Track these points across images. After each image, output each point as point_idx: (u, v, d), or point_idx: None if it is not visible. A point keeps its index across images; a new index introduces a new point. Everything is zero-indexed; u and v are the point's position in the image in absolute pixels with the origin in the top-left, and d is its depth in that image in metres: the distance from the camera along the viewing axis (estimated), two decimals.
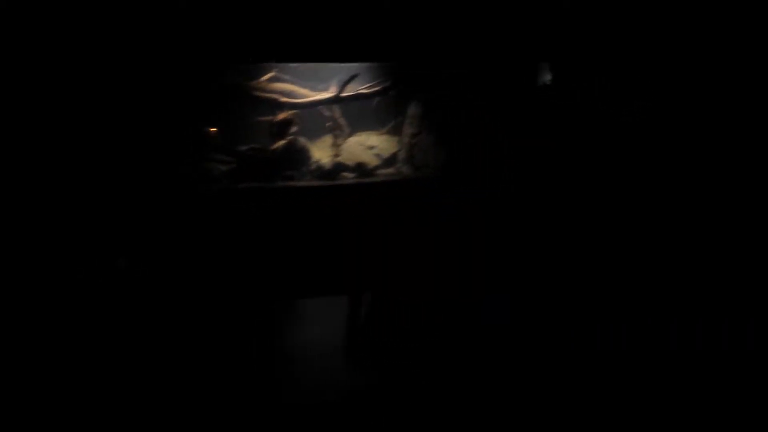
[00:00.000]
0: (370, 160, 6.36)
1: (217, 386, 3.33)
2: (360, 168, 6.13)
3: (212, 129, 6.03)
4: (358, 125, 6.66)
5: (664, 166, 5.09)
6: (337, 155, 6.34)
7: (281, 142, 6.09)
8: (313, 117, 6.45)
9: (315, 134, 6.64)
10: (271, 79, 6.17)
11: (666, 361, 3.45)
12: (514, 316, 4.20)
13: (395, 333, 4.16)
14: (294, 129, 6.17)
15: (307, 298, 4.90)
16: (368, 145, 6.50)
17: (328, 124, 6.42)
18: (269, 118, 6.25)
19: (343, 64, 6.26)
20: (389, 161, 6.47)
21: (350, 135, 6.58)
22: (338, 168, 6.12)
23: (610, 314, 4.04)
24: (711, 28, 5.00)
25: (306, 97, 6.27)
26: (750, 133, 4.73)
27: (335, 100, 6.15)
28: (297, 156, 6.08)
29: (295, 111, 6.31)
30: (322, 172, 5.97)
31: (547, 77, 6.06)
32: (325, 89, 6.39)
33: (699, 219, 4.67)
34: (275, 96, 6.06)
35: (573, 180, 5.39)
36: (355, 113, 6.53)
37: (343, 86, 6.07)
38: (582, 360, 3.51)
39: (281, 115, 6.10)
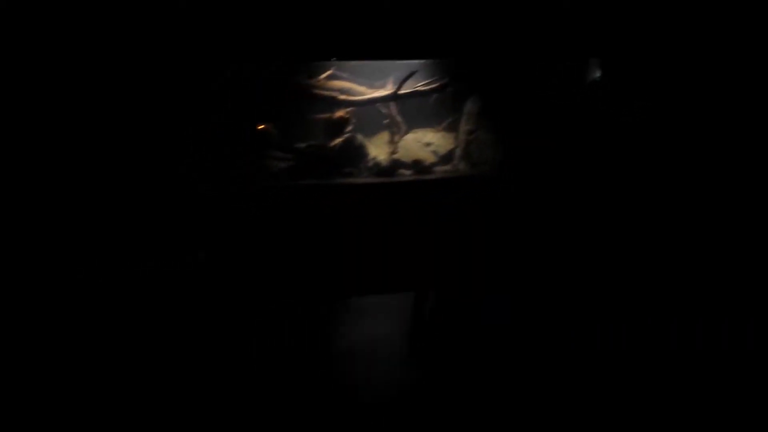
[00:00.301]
0: (427, 157, 6.34)
1: (281, 383, 3.33)
2: (417, 165, 6.11)
3: (270, 126, 6.09)
4: (414, 122, 6.64)
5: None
6: (394, 152, 6.33)
7: (339, 140, 6.12)
8: (369, 114, 6.46)
9: (371, 131, 6.65)
10: (329, 77, 6.19)
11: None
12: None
13: (458, 330, 4.13)
14: (350, 127, 6.19)
15: (369, 294, 4.90)
16: (425, 142, 6.48)
17: (385, 122, 6.42)
18: (326, 115, 6.28)
19: (400, 61, 6.25)
20: (446, 158, 6.44)
21: (407, 132, 6.56)
22: (395, 165, 6.11)
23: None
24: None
25: (363, 94, 6.27)
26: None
27: (392, 97, 6.15)
28: (355, 153, 6.09)
29: (352, 108, 6.33)
30: (379, 169, 5.97)
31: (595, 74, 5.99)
32: (382, 86, 6.38)
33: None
34: (333, 93, 6.09)
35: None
36: (411, 110, 6.52)
37: (400, 83, 6.06)
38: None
39: (338, 113, 6.13)
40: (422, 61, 6.22)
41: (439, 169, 6.27)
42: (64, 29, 3.68)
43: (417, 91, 6.22)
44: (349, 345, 3.81)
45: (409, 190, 5.84)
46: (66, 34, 3.72)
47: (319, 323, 4.33)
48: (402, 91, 6.17)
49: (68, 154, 3.88)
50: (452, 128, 6.66)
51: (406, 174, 6.05)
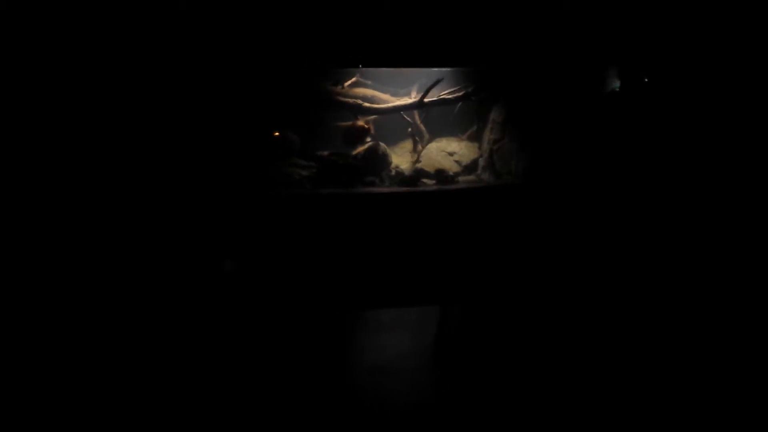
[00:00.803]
0: (450, 166, 6.25)
1: (305, 395, 3.26)
2: (440, 174, 6.02)
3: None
4: (438, 131, 6.57)
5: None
6: (417, 161, 6.26)
7: (362, 148, 6.04)
8: (392, 122, 6.39)
9: (395, 140, 6.58)
10: (354, 84, 6.12)
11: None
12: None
13: (484, 341, 4.04)
14: (369, 138, 6.12)
15: (393, 307, 4.81)
16: (448, 152, 6.40)
17: (408, 130, 6.34)
18: (349, 123, 6.22)
19: (425, 69, 6.18)
20: (470, 168, 6.36)
21: (430, 141, 6.48)
22: (418, 174, 6.03)
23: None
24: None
25: (387, 102, 6.20)
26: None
27: (417, 105, 6.07)
28: (378, 161, 6.02)
29: (374, 116, 6.26)
30: (402, 179, 5.89)
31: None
32: (407, 94, 6.31)
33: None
34: (357, 101, 6.02)
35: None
36: (434, 119, 6.45)
37: (426, 91, 5.98)
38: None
39: (360, 122, 6.06)
40: (448, 69, 6.12)
41: (462, 179, 6.18)
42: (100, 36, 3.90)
43: (442, 99, 6.14)
44: (373, 359, 3.70)
45: (432, 199, 5.74)
46: (105, 40, 3.95)
47: (341, 336, 4.23)
48: (427, 99, 6.07)
49: (89, 162, 4.01)
50: (476, 137, 6.58)
51: (429, 184, 5.96)
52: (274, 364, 3.68)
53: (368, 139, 6.07)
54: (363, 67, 5.98)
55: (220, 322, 4.04)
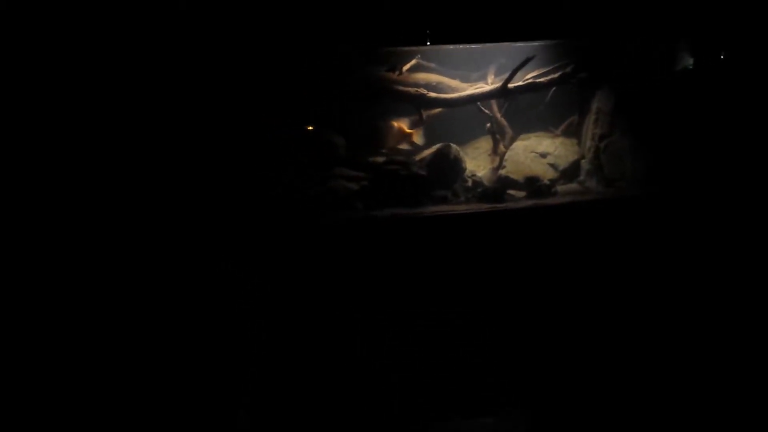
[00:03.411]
0: (544, 172, 4.75)
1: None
2: (532, 183, 4.53)
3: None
4: (522, 125, 5.04)
5: None
6: (499, 166, 4.76)
7: (428, 152, 4.58)
8: (462, 116, 4.89)
9: (465, 138, 5.10)
10: (414, 68, 4.64)
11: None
12: None
13: None
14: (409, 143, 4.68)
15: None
16: (539, 152, 4.90)
17: (487, 126, 4.83)
18: (409, 119, 4.76)
19: (503, 45, 4.65)
20: (569, 173, 4.83)
21: (514, 139, 4.97)
22: (503, 184, 4.55)
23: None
24: None
25: (458, 90, 4.71)
26: None
27: (500, 92, 4.54)
28: (449, 169, 4.56)
29: (439, 109, 4.78)
30: (483, 191, 4.40)
31: None
32: (480, 78, 4.82)
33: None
34: (420, 90, 4.53)
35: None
36: (517, 109, 4.90)
37: (513, 73, 4.47)
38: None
39: (396, 122, 4.60)
40: (536, 43, 4.58)
41: (561, 188, 4.65)
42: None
43: (531, 83, 4.61)
44: None
45: (526, 219, 4.24)
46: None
47: None
48: (513, 84, 4.54)
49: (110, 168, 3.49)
50: (575, 132, 5.04)
51: (519, 197, 4.45)
52: None
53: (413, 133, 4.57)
54: (428, 45, 4.49)
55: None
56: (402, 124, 4.75)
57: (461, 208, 4.21)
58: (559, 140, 4.99)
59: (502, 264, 4.08)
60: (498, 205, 4.26)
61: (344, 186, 4.35)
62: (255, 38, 3.91)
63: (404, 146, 4.76)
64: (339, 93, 4.49)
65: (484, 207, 4.23)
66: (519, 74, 4.58)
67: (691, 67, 4.46)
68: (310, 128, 4.55)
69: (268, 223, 3.98)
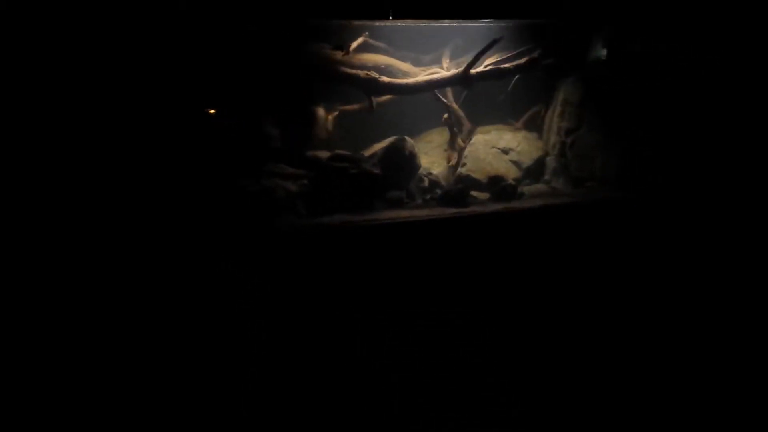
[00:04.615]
0: (507, 170, 4.19)
1: None
2: (495, 184, 3.97)
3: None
4: (479, 117, 4.47)
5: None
6: (458, 164, 4.16)
7: (379, 146, 3.91)
8: (413, 105, 4.26)
9: (417, 131, 4.47)
10: (360, 48, 3.96)
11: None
12: None
13: None
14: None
15: None
16: (501, 148, 4.34)
17: (444, 117, 4.22)
18: (358, 105, 4.10)
19: (461, 24, 4.04)
20: (534, 172, 4.31)
21: (472, 132, 4.38)
22: (464, 184, 3.95)
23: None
24: None
25: (409, 74, 4.07)
26: None
27: (462, 79, 3.93)
28: (404, 166, 3.90)
29: (389, 96, 4.14)
30: (444, 193, 3.79)
31: None
32: (434, 62, 4.20)
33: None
34: (371, 74, 3.86)
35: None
36: (473, 99, 4.32)
37: (476, 57, 3.88)
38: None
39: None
40: (499, 23, 4.04)
41: (527, 189, 4.12)
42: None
43: (495, 69, 4.03)
44: None
45: (493, 226, 3.69)
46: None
47: None
48: (474, 70, 3.95)
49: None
50: (537, 125, 4.52)
51: (483, 199, 3.88)
52: None
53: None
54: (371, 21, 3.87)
55: None
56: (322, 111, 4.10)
57: (423, 214, 3.59)
58: (521, 134, 4.46)
59: (472, 275, 3.50)
60: (464, 210, 3.67)
61: (282, 186, 3.62)
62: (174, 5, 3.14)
63: (324, 135, 4.10)
64: (275, 74, 3.74)
65: (449, 212, 3.63)
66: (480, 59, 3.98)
67: (668, 56, 4.00)
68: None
69: (198, 227, 3.23)
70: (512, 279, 3.58)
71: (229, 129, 3.76)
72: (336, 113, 4.18)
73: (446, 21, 3.99)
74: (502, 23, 4.11)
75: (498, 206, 3.77)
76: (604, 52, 4.19)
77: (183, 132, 3.47)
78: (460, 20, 4.03)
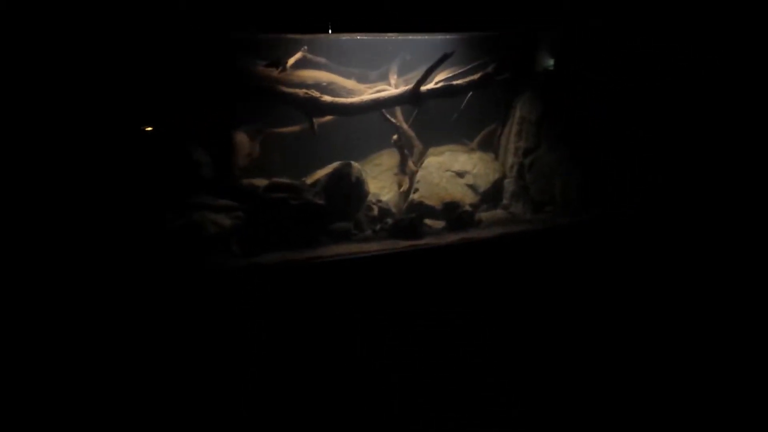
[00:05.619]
0: (463, 195, 3.86)
1: None
2: (451, 210, 3.63)
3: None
4: (430, 137, 4.13)
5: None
6: (410, 189, 3.80)
7: (323, 172, 3.52)
8: (359, 125, 3.89)
9: (362, 154, 4.10)
10: (299, 64, 3.57)
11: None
12: None
13: None
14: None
15: None
16: (456, 171, 3.99)
17: (393, 138, 3.86)
18: (296, 128, 3.72)
19: (407, 37, 3.78)
20: (491, 196, 3.98)
21: (423, 154, 4.03)
22: (416, 212, 3.59)
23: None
24: None
25: (354, 92, 3.71)
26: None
27: (412, 97, 3.59)
28: (351, 194, 3.52)
29: (329, 116, 3.77)
30: (395, 224, 3.43)
31: None
32: (380, 78, 3.85)
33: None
34: (311, 92, 3.48)
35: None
36: (426, 117, 3.97)
37: (427, 73, 3.56)
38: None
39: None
40: (447, 35, 3.74)
41: (485, 216, 3.79)
42: None
43: (447, 86, 3.71)
44: None
45: (450, 258, 3.34)
46: None
47: None
48: (425, 87, 3.60)
49: None
50: (492, 145, 4.21)
51: (438, 228, 3.54)
52: None
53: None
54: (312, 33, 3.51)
55: None
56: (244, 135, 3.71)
57: (373, 248, 3.22)
58: (476, 155, 4.14)
59: (428, 313, 3.13)
60: (418, 242, 3.30)
61: (212, 220, 3.18)
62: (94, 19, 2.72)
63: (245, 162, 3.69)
64: (204, 94, 3.32)
65: (401, 245, 3.26)
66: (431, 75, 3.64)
67: (635, 65, 3.75)
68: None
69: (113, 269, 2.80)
70: (472, 315, 3.24)
71: (150, 154, 3.31)
72: (260, 137, 3.77)
73: (392, 34, 3.65)
74: (453, 36, 3.79)
75: (455, 237, 3.44)
76: (562, 64, 3.91)
77: (93, 156, 3.01)
78: (407, 33, 3.69)
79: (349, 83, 3.80)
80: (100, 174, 2.97)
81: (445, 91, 3.73)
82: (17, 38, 2.75)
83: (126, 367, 2.69)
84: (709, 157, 3.74)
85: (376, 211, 3.66)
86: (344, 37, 3.66)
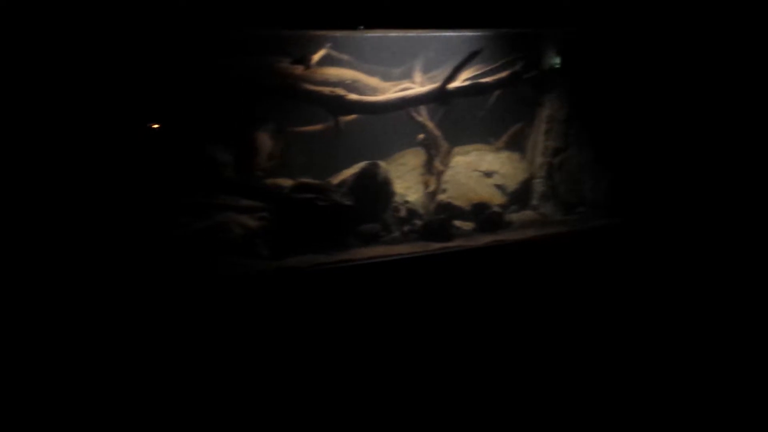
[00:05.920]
0: (491, 196, 3.74)
1: None
2: (480, 212, 3.51)
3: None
4: (456, 136, 4.02)
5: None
6: (437, 190, 3.70)
7: (349, 172, 3.42)
8: (383, 124, 3.78)
9: (388, 153, 3.99)
10: (322, 61, 3.46)
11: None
12: None
13: None
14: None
15: None
16: (483, 171, 3.89)
17: (419, 137, 3.76)
18: (320, 126, 3.61)
19: (432, 34, 3.73)
20: (519, 196, 3.87)
21: (450, 153, 3.92)
22: (445, 214, 3.48)
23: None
24: None
25: (378, 90, 3.61)
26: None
27: (439, 95, 3.48)
28: (378, 195, 3.41)
29: (353, 115, 3.67)
30: (424, 225, 3.32)
31: None
32: (404, 76, 3.74)
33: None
34: (336, 90, 3.38)
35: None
36: (452, 116, 3.87)
37: (455, 71, 3.44)
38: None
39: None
40: (475, 32, 3.68)
41: (515, 217, 3.69)
42: None
43: (475, 84, 3.60)
44: None
45: (483, 261, 3.22)
46: None
47: None
48: (452, 86, 3.50)
49: None
50: (518, 144, 4.11)
51: (467, 229, 3.42)
52: None
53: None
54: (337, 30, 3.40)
55: None
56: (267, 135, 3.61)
57: (404, 250, 3.10)
58: (504, 155, 4.04)
59: (463, 317, 3.03)
60: (449, 245, 3.19)
61: (238, 222, 3.08)
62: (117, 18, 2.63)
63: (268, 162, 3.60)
64: (227, 92, 3.22)
65: (433, 247, 3.15)
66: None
67: (665, 65, 3.64)
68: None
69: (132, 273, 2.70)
70: (510, 320, 3.13)
71: (171, 155, 3.21)
72: (283, 136, 3.67)
73: (418, 31, 3.55)
74: (477, 33, 3.69)
75: (486, 239, 3.32)
76: (593, 62, 3.80)
77: (117, 157, 2.91)
78: (434, 30, 3.59)
79: (374, 81, 3.71)
80: (124, 176, 2.88)
81: (473, 90, 3.63)
82: (53, 37, 2.68)
83: (150, 372, 2.60)
84: (744, 158, 3.64)
85: (403, 212, 3.56)
86: (369, 34, 3.56)
